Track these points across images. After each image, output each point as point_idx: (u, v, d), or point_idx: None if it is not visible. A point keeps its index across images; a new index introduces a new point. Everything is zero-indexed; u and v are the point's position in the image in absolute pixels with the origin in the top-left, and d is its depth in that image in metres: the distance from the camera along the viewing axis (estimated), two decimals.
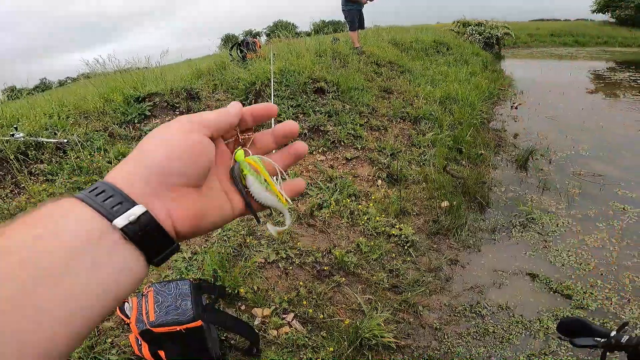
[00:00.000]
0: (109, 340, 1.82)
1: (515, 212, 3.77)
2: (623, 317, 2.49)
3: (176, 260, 2.59)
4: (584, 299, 2.66)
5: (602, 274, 2.90)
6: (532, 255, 3.15)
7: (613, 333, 0.98)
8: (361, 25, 7.51)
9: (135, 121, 4.37)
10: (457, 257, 3.08)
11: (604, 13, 27.72)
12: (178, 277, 2.35)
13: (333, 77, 5.27)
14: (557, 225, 3.54)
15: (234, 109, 0.38)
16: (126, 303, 1.57)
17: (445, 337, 2.38)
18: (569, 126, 6.26)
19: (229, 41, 8.24)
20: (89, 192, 0.29)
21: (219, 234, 2.97)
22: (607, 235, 3.37)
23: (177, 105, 4.72)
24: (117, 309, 1.56)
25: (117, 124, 4.24)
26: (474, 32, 12.18)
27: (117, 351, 1.75)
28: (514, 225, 3.55)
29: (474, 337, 2.39)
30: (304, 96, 4.86)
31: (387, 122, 5.03)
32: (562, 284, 2.81)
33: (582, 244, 3.28)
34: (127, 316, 1.54)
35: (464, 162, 4.58)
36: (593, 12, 28.59)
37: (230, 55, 6.55)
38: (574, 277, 2.90)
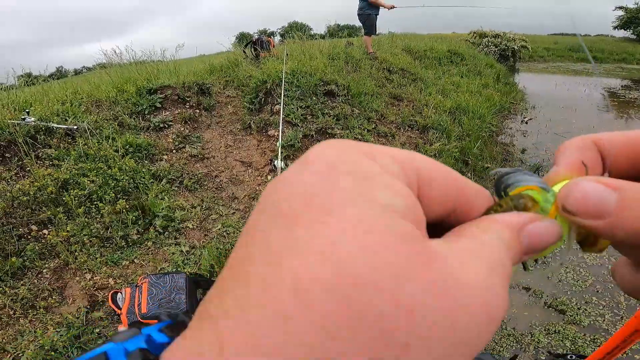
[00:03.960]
0: (97, 330, 1.85)
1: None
2: (613, 333, 2.48)
3: (173, 254, 2.62)
4: (577, 314, 2.68)
5: (598, 291, 2.91)
6: (530, 270, 3.14)
7: None
8: (374, 31, 7.51)
9: (146, 112, 4.43)
10: None
11: (625, 30, 27.36)
12: (174, 270, 2.37)
13: (344, 80, 5.28)
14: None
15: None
16: (119, 293, 1.59)
17: None
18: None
19: (244, 39, 8.32)
20: None
21: (219, 229, 3.00)
22: (607, 254, 3.36)
23: (188, 99, 4.77)
24: (109, 299, 1.58)
25: (127, 114, 4.29)
26: (489, 43, 12.10)
27: (104, 341, 1.77)
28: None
29: None
30: (314, 98, 4.87)
31: (394, 130, 5.03)
32: (557, 299, 2.82)
33: (582, 261, 3.28)
34: (118, 307, 1.55)
35: (469, 175, 4.55)
36: (615, 28, 28.23)
37: (244, 52, 6.59)
38: (570, 293, 2.91)
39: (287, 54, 5.56)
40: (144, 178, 3.42)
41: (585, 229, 0.19)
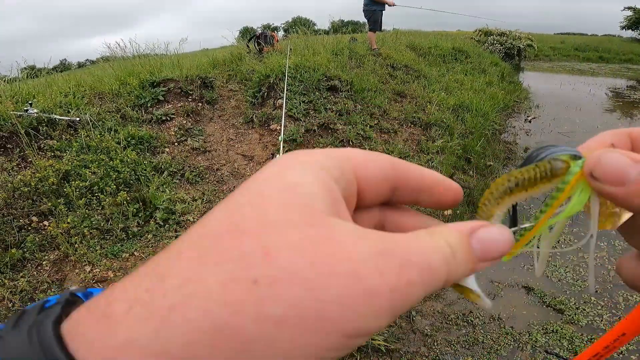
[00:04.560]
0: None
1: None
2: None
3: None
4: (575, 314, 2.68)
5: (597, 291, 2.92)
6: (531, 269, 3.13)
7: None
8: (380, 27, 7.47)
9: (148, 105, 4.43)
10: None
11: (633, 30, 27.07)
12: None
13: (347, 76, 5.25)
14: (558, 242, 3.49)
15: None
16: None
17: (435, 343, 2.38)
18: (582, 143, 6.16)
19: (247, 33, 8.28)
20: None
21: None
22: (607, 254, 3.36)
23: (191, 93, 4.77)
24: None
25: (130, 107, 4.29)
26: (495, 41, 12.00)
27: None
28: (516, 239, 3.52)
29: (463, 345, 2.40)
30: (317, 93, 4.85)
31: (397, 126, 5.00)
32: (555, 298, 2.82)
33: (582, 261, 3.26)
34: None
35: (471, 173, 4.53)
36: (622, 28, 27.93)
37: (248, 47, 6.57)
38: (569, 292, 2.91)
39: (290, 49, 5.54)
40: (145, 170, 3.42)
41: (606, 197, 0.20)
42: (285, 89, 4.54)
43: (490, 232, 0.19)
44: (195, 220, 3.01)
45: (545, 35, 22.47)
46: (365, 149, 3.45)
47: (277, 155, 3.93)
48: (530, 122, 7.13)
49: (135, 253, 2.51)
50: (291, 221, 0.16)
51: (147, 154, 3.74)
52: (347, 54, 6.35)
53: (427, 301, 2.69)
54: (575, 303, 2.78)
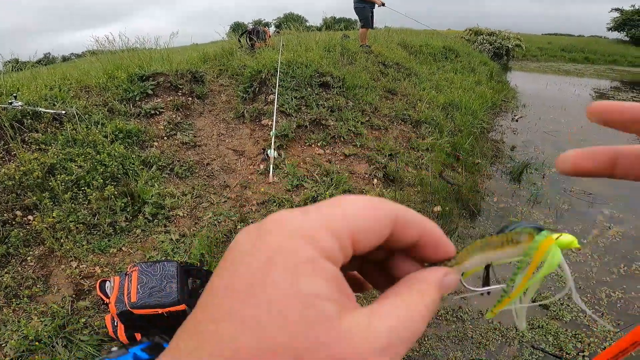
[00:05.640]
0: (82, 320, 1.81)
1: (504, 222, 3.79)
2: (595, 329, 2.56)
3: (162, 242, 2.59)
4: (560, 310, 2.73)
5: (580, 288, 2.98)
6: (516, 263, 3.19)
7: None
8: (371, 24, 7.51)
9: (137, 99, 4.35)
10: None
11: (619, 31, 27.58)
12: (163, 258, 2.35)
13: (340, 72, 5.25)
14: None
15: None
16: (107, 282, 1.56)
17: (426, 339, 2.41)
18: (567, 143, 6.29)
19: (238, 29, 8.19)
20: None
21: (210, 218, 2.97)
22: (590, 251, 3.43)
23: (181, 87, 4.70)
24: (97, 288, 1.55)
25: (117, 100, 4.21)
26: (484, 41, 12.17)
27: (90, 331, 1.74)
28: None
29: (453, 340, 2.43)
30: (309, 89, 4.84)
31: (388, 123, 5.03)
32: (540, 294, 2.85)
33: (565, 258, 3.31)
34: (107, 295, 1.53)
35: (460, 169, 4.59)
36: (609, 29, 28.43)
37: (239, 42, 6.51)
38: (554, 288, 2.94)
39: (283, 45, 5.51)
40: (133, 164, 3.36)
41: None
42: (277, 85, 4.51)
43: (450, 279, 0.25)
44: (185, 215, 2.98)
45: (533, 36, 22.80)
46: (356, 145, 3.45)
47: (269, 151, 3.91)
48: (517, 121, 7.26)
49: (123, 248, 2.47)
50: (321, 344, 0.17)
51: (136, 148, 3.68)
52: (339, 51, 6.35)
53: None
54: (559, 299, 2.85)
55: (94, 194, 2.71)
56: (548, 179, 4.87)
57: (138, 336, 1.47)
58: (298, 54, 5.34)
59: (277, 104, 4.32)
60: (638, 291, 2.93)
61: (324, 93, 4.91)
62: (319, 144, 4.29)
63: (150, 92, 4.47)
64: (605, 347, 2.41)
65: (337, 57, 6.03)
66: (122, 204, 2.77)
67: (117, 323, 1.46)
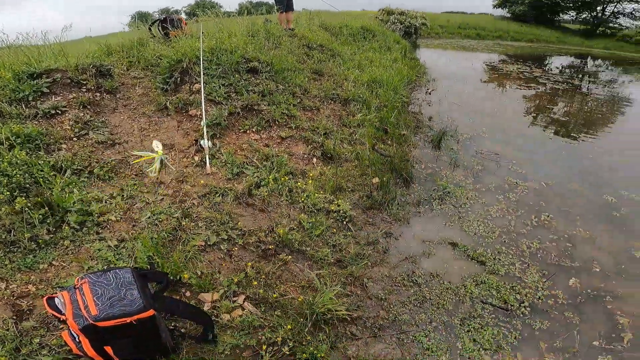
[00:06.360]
0: (36, 340, 1.58)
1: (434, 186, 4.18)
2: (526, 281, 2.91)
3: (99, 250, 2.33)
4: (494, 264, 3.06)
5: (505, 241, 3.38)
6: (451, 225, 3.55)
7: None
8: (290, 7, 7.45)
9: (30, 99, 3.76)
10: (390, 229, 3.32)
11: (502, 8, 30.95)
12: (112, 266, 2.12)
13: (266, 57, 5.13)
14: (467, 198, 4.03)
15: None
16: (56, 298, 1.37)
17: (391, 306, 2.56)
18: (471, 111, 7.08)
19: (142, 19, 7.41)
20: None
21: (149, 218, 2.74)
22: (505, 206, 3.94)
23: (84, 82, 4.16)
24: (46, 305, 1.35)
25: (6, 102, 3.58)
26: (396, 20, 12.90)
27: (50, 351, 1.53)
28: (434, 198, 3.94)
29: (415, 304, 2.61)
30: (237, 75, 4.65)
31: (319, 103, 5.10)
32: (476, 251, 3.19)
33: (487, 214, 3.78)
34: (59, 312, 1.34)
35: (389, 142, 4.89)
36: (494, 7, 31.76)
37: (150, 31, 5.94)
38: (484, 244, 3.32)
39: (202, 32, 5.18)
40: (42, 171, 2.91)
41: None
42: (202, 73, 4.24)
43: None
44: (118, 219, 2.70)
45: (435, 14, 24.67)
46: (291, 127, 3.49)
47: (202, 142, 3.70)
48: (430, 94, 7.93)
49: (54, 262, 2.15)
50: None
51: (40, 152, 3.18)
52: (263, 36, 6.19)
53: (374, 267, 2.87)
54: (491, 254, 3.18)
55: (2, 209, 2.29)
56: (462, 143, 5.46)
57: (109, 349, 1.32)
58: (221, 41, 5.07)
59: (204, 92, 4.08)
60: (551, 240, 3.45)
61: (253, 78, 4.76)
62: (254, 130, 4.18)
63: (45, 90, 3.90)
64: (539, 297, 2.76)
65: (262, 42, 5.87)
66: (40, 216, 2.40)
67: (79, 339, 1.30)
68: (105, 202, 2.83)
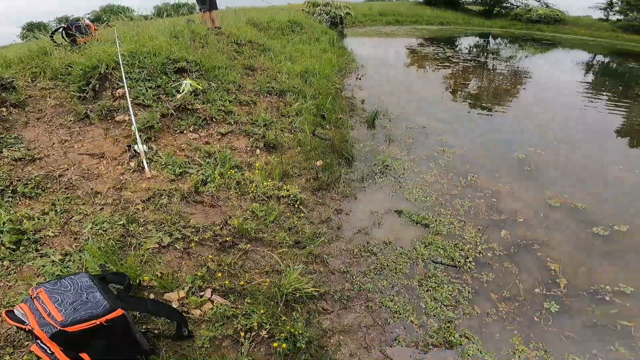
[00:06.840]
0: (6, 358, 1.46)
1: (374, 162, 4.46)
2: (466, 237, 3.19)
3: (43, 266, 2.18)
4: (437, 226, 3.32)
5: (441, 203, 3.71)
6: (394, 195, 3.84)
7: None
8: (213, 6, 7.24)
9: None
10: (340, 206, 3.51)
11: None
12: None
13: (194, 57, 5.00)
14: (404, 169, 4.37)
15: None
16: (15, 311, 1.29)
17: (354, 277, 2.70)
18: (398, 92, 7.58)
19: (37, 29, 6.66)
20: None
21: (91, 229, 2.60)
22: (437, 172, 4.34)
23: None
24: (6, 317, 1.26)
25: None
26: (321, 12, 13.15)
27: None
28: (375, 173, 4.21)
29: (375, 272, 2.77)
30: (164, 77, 4.48)
31: (255, 97, 5.10)
32: (419, 215, 3.46)
33: (423, 180, 4.14)
34: (22, 322, 1.27)
35: (328, 126, 5.08)
36: None
37: (53, 40, 5.38)
38: (425, 208, 3.61)
39: (117, 37, 4.85)
40: None
41: None
42: (124, 77, 4.01)
43: None
44: (57, 234, 2.52)
45: (357, 3, 25.38)
46: (230, 122, 3.54)
47: (136, 146, 3.53)
48: (360, 79, 8.29)
49: None
50: None
51: None
52: (188, 36, 5.97)
53: (332, 243, 3.00)
54: (433, 216, 3.45)
55: None
56: (393, 121, 5.85)
57: (84, 356, 1.28)
58: (141, 44, 4.81)
59: (130, 97, 3.87)
60: (479, 197, 3.84)
61: (182, 79, 4.61)
62: (191, 129, 4.08)
63: None
64: (480, 252, 3.00)
65: (187, 43, 5.67)
66: None
67: (50, 350, 1.23)
68: (38, 219, 2.61)
